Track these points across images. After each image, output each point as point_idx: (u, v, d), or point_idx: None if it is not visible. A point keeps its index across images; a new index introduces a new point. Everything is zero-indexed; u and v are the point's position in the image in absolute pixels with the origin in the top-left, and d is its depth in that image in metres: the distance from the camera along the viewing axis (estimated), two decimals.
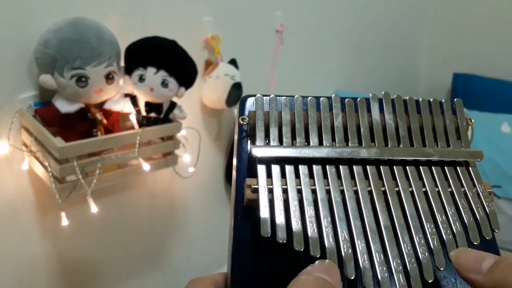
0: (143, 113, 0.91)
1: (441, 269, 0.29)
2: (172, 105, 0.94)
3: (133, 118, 0.92)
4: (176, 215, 1.24)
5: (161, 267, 1.24)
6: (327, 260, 0.27)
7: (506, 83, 1.94)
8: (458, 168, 0.34)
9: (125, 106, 0.90)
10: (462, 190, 0.33)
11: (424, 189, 0.32)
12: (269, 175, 0.31)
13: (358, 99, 0.35)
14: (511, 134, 1.52)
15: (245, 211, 0.31)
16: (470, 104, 1.74)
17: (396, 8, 1.95)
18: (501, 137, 1.50)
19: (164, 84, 0.89)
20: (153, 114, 0.91)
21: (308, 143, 0.33)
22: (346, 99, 0.35)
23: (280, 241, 0.28)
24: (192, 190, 1.24)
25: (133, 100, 0.90)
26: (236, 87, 1.10)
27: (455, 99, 0.37)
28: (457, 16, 2.16)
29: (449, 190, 0.33)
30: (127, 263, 1.15)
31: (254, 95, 0.35)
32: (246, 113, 0.35)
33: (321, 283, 0.25)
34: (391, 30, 1.95)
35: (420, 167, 0.33)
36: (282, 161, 0.32)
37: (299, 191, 0.31)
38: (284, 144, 0.33)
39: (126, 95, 0.91)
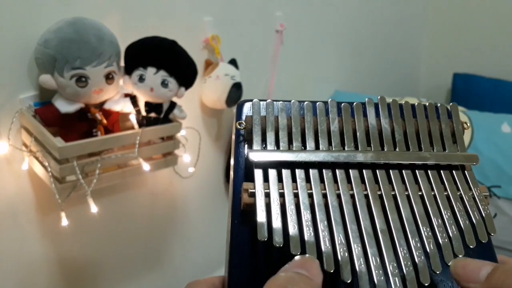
0: (143, 113, 0.91)
1: (437, 272, 0.29)
2: (172, 105, 0.94)
3: (133, 118, 0.92)
4: (176, 215, 1.24)
5: (160, 267, 1.24)
6: (306, 255, 0.27)
7: (506, 83, 1.94)
8: (454, 171, 0.34)
9: (125, 106, 0.90)
10: (458, 193, 0.33)
11: (420, 193, 0.33)
12: (266, 179, 0.31)
13: (354, 103, 0.36)
14: (511, 134, 1.51)
15: (242, 215, 0.32)
16: (470, 104, 1.74)
17: (396, 8, 1.95)
18: (501, 137, 1.49)
19: (164, 84, 0.89)
20: (153, 114, 0.91)
21: (305, 148, 0.33)
22: (343, 104, 0.35)
23: (277, 245, 0.28)
24: (192, 190, 1.24)
25: (133, 100, 0.90)
26: (236, 87, 1.10)
27: (451, 104, 0.37)
28: (457, 16, 2.15)
29: (445, 193, 0.33)
30: (126, 263, 1.16)
31: (251, 100, 0.35)
32: (243, 117, 0.35)
33: (296, 278, 0.25)
34: (391, 30, 1.95)
35: (416, 171, 0.34)
36: (279, 165, 0.32)
37: (296, 195, 0.31)
38: (281, 149, 0.33)
39: (126, 95, 0.91)
